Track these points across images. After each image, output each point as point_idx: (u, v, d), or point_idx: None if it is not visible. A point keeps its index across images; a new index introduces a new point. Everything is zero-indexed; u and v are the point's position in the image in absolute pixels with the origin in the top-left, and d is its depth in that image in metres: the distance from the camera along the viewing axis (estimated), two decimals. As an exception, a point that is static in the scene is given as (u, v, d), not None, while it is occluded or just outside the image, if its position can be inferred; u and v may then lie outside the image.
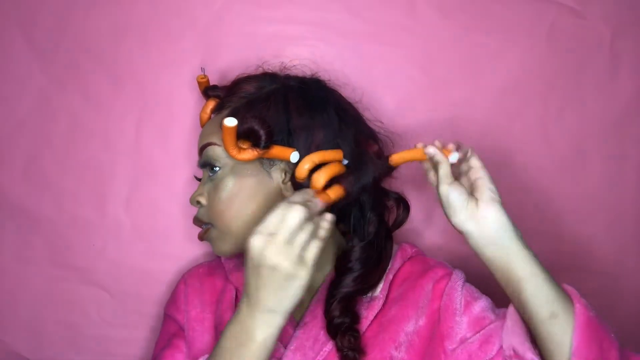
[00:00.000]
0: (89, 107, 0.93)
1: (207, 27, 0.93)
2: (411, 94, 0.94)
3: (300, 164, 0.69)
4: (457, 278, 0.74)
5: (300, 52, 0.91)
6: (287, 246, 0.59)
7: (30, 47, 0.92)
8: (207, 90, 0.79)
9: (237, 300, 0.78)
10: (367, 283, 0.73)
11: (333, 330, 0.70)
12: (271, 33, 0.93)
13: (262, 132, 0.68)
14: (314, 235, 0.61)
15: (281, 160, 0.71)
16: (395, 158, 0.73)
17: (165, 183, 0.93)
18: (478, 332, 0.69)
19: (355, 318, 0.71)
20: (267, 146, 0.69)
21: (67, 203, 0.93)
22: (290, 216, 0.60)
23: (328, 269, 0.76)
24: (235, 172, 0.72)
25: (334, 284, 0.72)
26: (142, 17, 0.92)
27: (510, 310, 0.68)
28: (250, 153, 0.69)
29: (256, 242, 0.59)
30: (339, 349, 0.69)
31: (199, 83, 0.79)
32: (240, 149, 0.69)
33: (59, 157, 0.93)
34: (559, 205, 0.95)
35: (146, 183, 0.93)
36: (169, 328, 0.81)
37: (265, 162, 0.72)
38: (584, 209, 0.95)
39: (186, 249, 0.93)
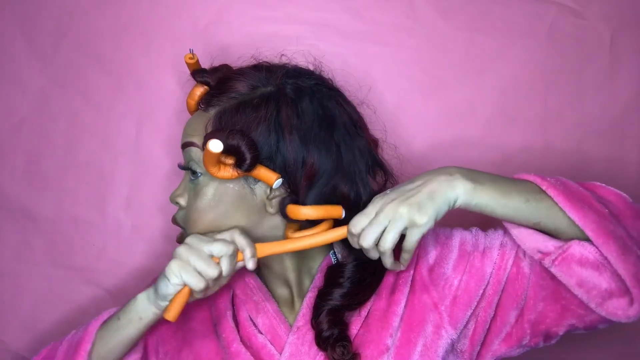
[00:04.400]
0: (89, 107, 0.93)
1: (207, 27, 0.93)
2: (411, 94, 0.94)
3: (298, 211, 0.65)
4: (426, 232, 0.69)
5: (300, 52, 0.91)
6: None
7: (30, 47, 0.92)
8: (195, 74, 0.72)
9: (235, 299, 0.76)
10: (356, 301, 0.70)
11: (322, 342, 0.68)
12: (271, 33, 0.93)
13: (248, 156, 0.64)
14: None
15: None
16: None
17: (165, 183, 0.93)
18: (469, 253, 0.70)
19: (344, 327, 0.69)
20: (250, 169, 0.65)
21: (67, 203, 0.93)
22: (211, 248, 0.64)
23: (316, 273, 0.74)
24: (217, 182, 0.68)
25: (323, 294, 0.70)
26: (142, 17, 0.92)
27: (508, 225, 0.68)
28: (230, 172, 0.65)
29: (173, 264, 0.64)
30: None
31: (188, 64, 0.72)
32: (221, 164, 0.65)
33: (59, 157, 0.93)
34: (559, 205, 0.94)
35: (146, 183, 0.93)
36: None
37: (250, 177, 0.68)
38: (584, 209, 0.95)
39: (186, 249, 0.93)
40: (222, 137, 0.63)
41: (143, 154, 0.93)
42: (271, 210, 0.69)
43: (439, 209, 0.62)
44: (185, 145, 0.70)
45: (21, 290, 0.93)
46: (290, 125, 0.67)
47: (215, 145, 0.61)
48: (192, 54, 0.72)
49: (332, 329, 0.68)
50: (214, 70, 0.72)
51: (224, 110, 0.68)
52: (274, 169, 0.66)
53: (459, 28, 0.94)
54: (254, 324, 0.73)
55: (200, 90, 0.72)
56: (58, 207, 0.92)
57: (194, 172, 0.69)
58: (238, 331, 0.73)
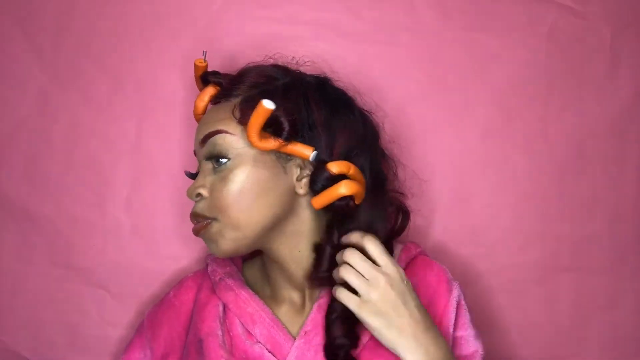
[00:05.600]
0: (89, 107, 0.93)
1: (207, 27, 0.93)
2: (411, 94, 0.94)
3: (335, 188, 0.67)
4: (456, 294, 0.74)
5: (300, 52, 0.91)
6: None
7: (30, 47, 0.92)
8: (207, 76, 0.74)
9: (226, 316, 0.74)
10: None
11: (331, 351, 0.67)
12: (271, 33, 0.93)
13: (285, 123, 0.65)
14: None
15: (297, 157, 0.69)
16: (317, 202, 0.69)
17: (165, 183, 0.93)
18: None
19: (355, 342, 0.68)
20: (289, 138, 0.66)
21: (67, 203, 0.92)
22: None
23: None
24: (249, 164, 0.68)
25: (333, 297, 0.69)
26: (142, 17, 0.92)
27: None
28: (271, 143, 0.65)
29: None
30: None
31: (197, 67, 0.73)
32: (260, 137, 0.65)
33: (59, 157, 0.93)
34: (559, 205, 0.94)
35: (146, 183, 0.93)
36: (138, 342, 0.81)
37: (282, 156, 0.69)
38: (584, 209, 0.95)
39: (186, 249, 0.93)
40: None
41: (143, 154, 0.93)
42: (301, 190, 0.70)
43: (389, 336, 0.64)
44: (210, 135, 0.69)
45: (21, 290, 0.93)
46: (317, 102, 0.69)
47: (269, 103, 0.62)
48: (204, 59, 0.73)
49: (345, 337, 0.67)
50: (225, 73, 0.74)
51: (247, 98, 0.70)
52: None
53: (459, 28, 0.94)
54: (251, 334, 0.72)
55: (212, 91, 0.73)
56: (58, 207, 0.92)
57: (218, 160, 0.69)
58: (232, 347, 0.71)
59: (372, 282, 0.64)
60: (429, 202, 0.93)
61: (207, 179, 0.70)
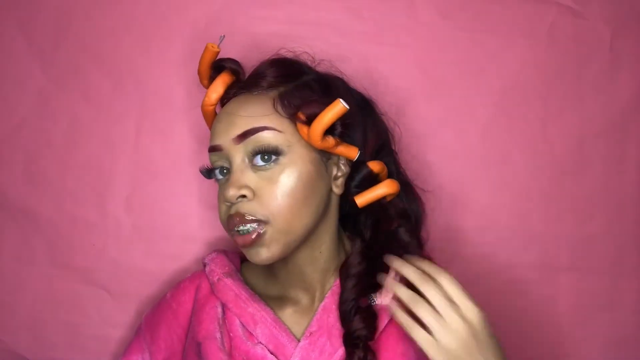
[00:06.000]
0: (89, 107, 0.93)
1: (207, 27, 0.93)
2: (411, 94, 0.94)
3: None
4: None
5: (299, 52, 0.91)
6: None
7: (30, 47, 0.92)
8: (224, 62, 0.69)
9: (225, 317, 0.73)
10: (368, 285, 0.69)
11: (351, 342, 0.66)
12: (271, 33, 0.92)
13: (338, 122, 0.65)
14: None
15: (339, 156, 0.69)
16: (361, 200, 0.70)
17: (165, 183, 0.93)
18: None
19: (372, 331, 0.67)
20: (342, 138, 0.66)
21: (67, 203, 0.92)
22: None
23: (335, 276, 0.73)
24: (301, 162, 0.65)
25: (339, 294, 0.69)
26: (142, 17, 0.92)
27: None
28: (330, 141, 0.64)
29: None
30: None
31: (209, 52, 0.68)
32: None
33: (59, 157, 0.93)
34: (559, 205, 0.95)
35: (146, 183, 0.93)
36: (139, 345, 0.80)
37: (325, 154, 0.68)
38: (584, 209, 0.95)
39: (186, 249, 0.93)
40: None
41: (143, 154, 0.93)
42: (337, 190, 0.70)
43: None
44: (254, 132, 0.65)
45: (21, 290, 0.93)
46: (350, 102, 0.66)
47: (345, 103, 0.62)
48: (219, 44, 0.68)
49: (365, 329, 0.66)
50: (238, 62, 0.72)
51: (283, 92, 0.68)
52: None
53: (459, 28, 0.94)
54: (252, 334, 0.71)
55: (228, 79, 0.70)
56: (58, 207, 0.92)
57: (268, 157, 0.65)
58: (232, 348, 0.71)
59: (451, 325, 0.61)
60: (428, 202, 0.93)
61: (247, 177, 0.66)
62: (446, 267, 0.78)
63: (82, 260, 0.93)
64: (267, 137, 0.65)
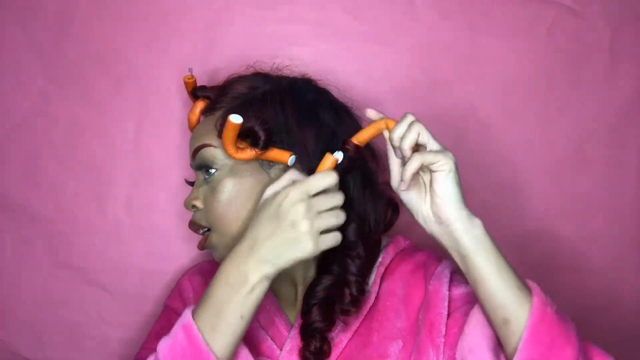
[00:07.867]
0: (89, 107, 0.93)
1: (207, 27, 0.93)
2: (411, 94, 0.94)
3: (323, 163, 0.68)
4: (444, 267, 0.73)
5: (300, 52, 0.91)
6: (317, 216, 0.61)
7: (30, 47, 0.92)
8: (196, 91, 0.77)
9: None
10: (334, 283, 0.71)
11: (308, 333, 0.69)
12: (271, 33, 0.93)
13: (261, 132, 0.67)
14: (333, 224, 0.63)
15: (278, 162, 0.70)
16: (359, 139, 0.70)
17: (165, 183, 0.93)
18: (458, 307, 0.69)
19: (330, 324, 0.69)
20: (266, 147, 0.68)
21: (67, 203, 0.93)
22: (337, 197, 0.63)
23: (315, 268, 0.74)
24: (234, 173, 0.70)
25: (313, 283, 0.71)
26: (142, 17, 0.92)
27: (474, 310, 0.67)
28: (248, 153, 0.68)
29: (293, 195, 0.61)
30: (303, 352, 0.69)
31: (186, 84, 0.76)
32: (238, 148, 0.68)
33: (59, 157, 0.93)
34: (559, 205, 0.95)
35: (146, 183, 0.93)
36: (171, 319, 0.79)
37: (264, 162, 0.71)
38: (584, 209, 0.95)
39: (186, 249, 0.93)
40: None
41: (143, 154, 0.93)
42: None
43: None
44: (198, 149, 0.72)
45: (21, 290, 0.93)
46: (292, 107, 0.71)
47: (236, 118, 0.65)
48: (191, 74, 0.76)
49: (322, 322, 0.68)
50: (212, 86, 0.77)
51: (229, 109, 0.72)
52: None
53: (459, 28, 0.94)
54: (255, 319, 0.74)
55: (202, 105, 0.76)
56: (58, 207, 0.92)
57: (208, 170, 0.72)
58: None
59: (446, 153, 0.67)
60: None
61: (200, 190, 0.73)
62: (441, 259, 0.79)
63: (82, 260, 0.93)
64: (204, 153, 0.72)
